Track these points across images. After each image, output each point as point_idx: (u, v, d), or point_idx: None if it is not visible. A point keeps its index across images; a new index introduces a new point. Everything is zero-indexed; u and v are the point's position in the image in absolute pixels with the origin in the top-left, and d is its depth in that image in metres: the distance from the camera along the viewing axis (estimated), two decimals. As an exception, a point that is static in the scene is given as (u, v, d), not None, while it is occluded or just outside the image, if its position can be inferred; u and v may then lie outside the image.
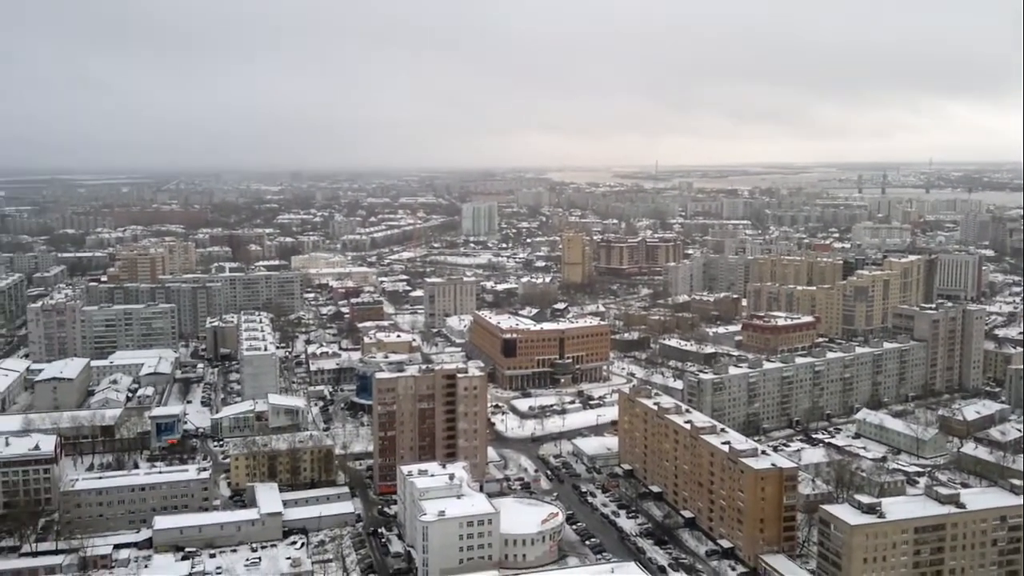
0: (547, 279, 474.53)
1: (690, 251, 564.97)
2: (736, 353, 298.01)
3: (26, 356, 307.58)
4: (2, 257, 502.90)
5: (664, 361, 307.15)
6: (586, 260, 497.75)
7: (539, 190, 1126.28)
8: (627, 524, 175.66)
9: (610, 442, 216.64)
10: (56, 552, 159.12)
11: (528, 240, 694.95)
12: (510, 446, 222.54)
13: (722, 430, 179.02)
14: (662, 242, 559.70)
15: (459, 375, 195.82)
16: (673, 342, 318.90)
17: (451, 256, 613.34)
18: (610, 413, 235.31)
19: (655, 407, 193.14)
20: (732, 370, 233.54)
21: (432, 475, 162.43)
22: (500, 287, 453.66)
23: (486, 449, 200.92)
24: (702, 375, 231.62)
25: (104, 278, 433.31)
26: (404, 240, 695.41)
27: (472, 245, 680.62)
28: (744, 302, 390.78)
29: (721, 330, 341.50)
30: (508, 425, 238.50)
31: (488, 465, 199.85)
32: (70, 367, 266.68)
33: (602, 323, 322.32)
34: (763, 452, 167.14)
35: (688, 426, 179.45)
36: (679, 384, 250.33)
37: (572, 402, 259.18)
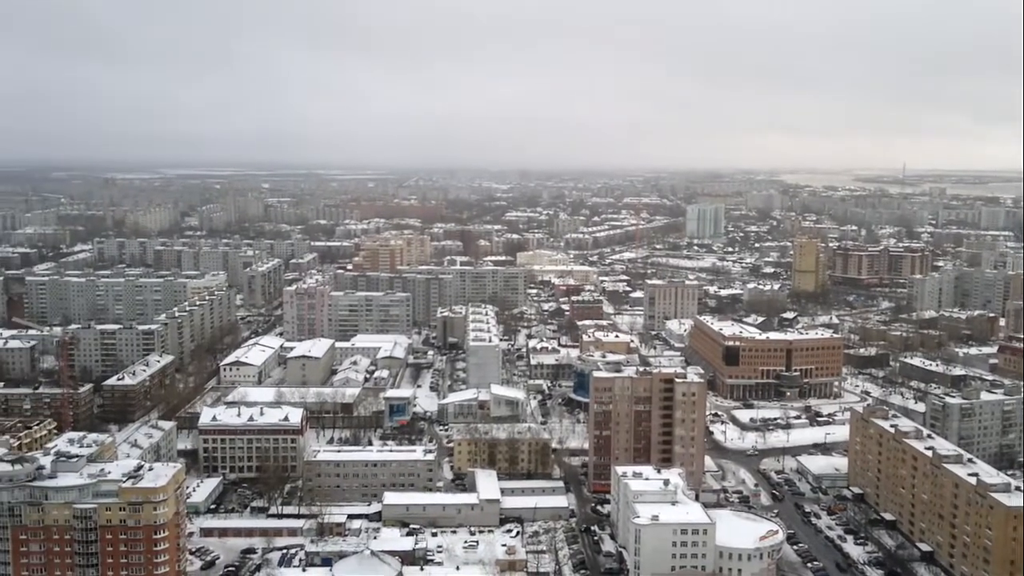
0: (776, 286, 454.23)
1: (939, 263, 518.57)
2: (990, 377, 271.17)
3: (280, 334, 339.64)
4: (265, 243, 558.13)
5: (904, 381, 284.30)
6: (820, 268, 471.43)
7: (770, 192, 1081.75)
8: (854, 551, 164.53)
9: (839, 462, 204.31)
10: (298, 516, 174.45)
11: (756, 245, 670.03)
12: (729, 457, 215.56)
13: (969, 460, 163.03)
14: (908, 252, 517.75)
15: (677, 380, 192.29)
16: (916, 361, 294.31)
17: (674, 258, 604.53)
18: (840, 432, 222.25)
19: (892, 429, 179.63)
20: (985, 395, 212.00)
21: (647, 478, 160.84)
22: (724, 292, 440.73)
23: (703, 458, 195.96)
24: (948, 399, 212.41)
25: (350, 266, 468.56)
26: (626, 240, 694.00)
27: (696, 248, 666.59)
28: (1002, 322, 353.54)
29: (973, 351, 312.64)
30: (728, 435, 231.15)
31: (705, 474, 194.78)
32: (317, 347, 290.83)
33: (835, 336, 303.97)
34: (1017, 488, 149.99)
35: (930, 453, 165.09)
36: (920, 407, 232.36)
37: (798, 417, 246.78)
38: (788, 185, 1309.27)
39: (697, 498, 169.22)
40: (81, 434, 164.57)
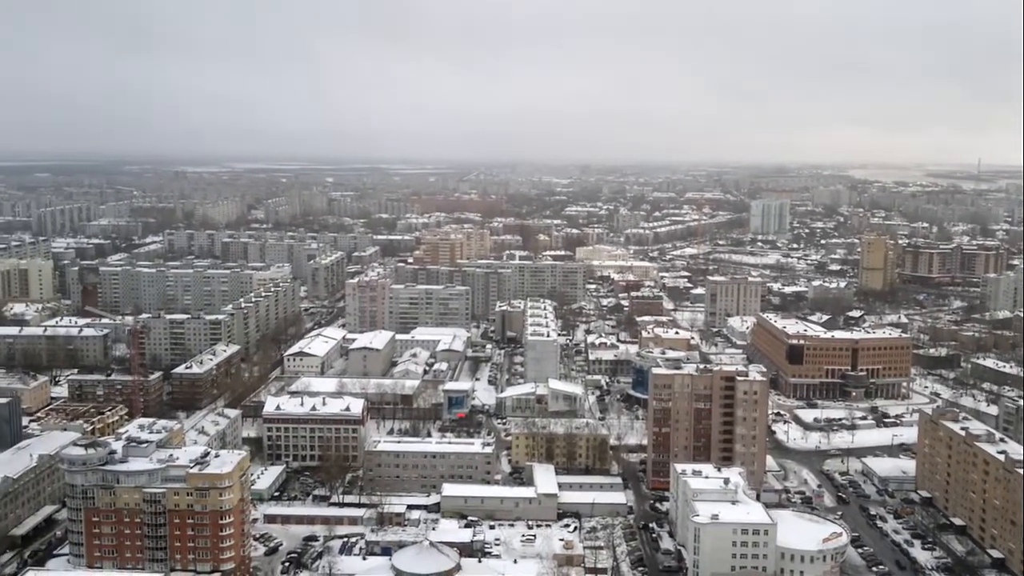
0: (842, 284, 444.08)
1: (1015, 261, 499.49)
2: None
3: (342, 326, 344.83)
4: (328, 236, 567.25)
5: (975, 383, 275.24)
6: (889, 265, 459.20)
7: (837, 188, 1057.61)
8: (922, 556, 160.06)
9: (906, 465, 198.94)
10: (359, 505, 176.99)
11: (822, 241, 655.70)
12: (791, 457, 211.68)
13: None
14: (982, 250, 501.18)
15: (739, 378, 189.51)
16: (988, 362, 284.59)
17: (736, 254, 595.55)
18: (908, 434, 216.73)
19: (963, 432, 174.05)
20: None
21: (706, 477, 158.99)
22: (788, 289, 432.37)
23: (764, 457, 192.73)
24: (1022, 402, 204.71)
25: (410, 260, 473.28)
26: (688, 236, 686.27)
27: (760, 244, 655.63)
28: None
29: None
30: (790, 435, 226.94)
31: (766, 474, 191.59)
32: (378, 339, 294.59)
33: (903, 335, 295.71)
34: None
35: (1002, 457, 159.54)
36: (993, 410, 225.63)
37: (864, 418, 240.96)
38: (856, 180, 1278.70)
39: (758, 498, 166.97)
40: (151, 420, 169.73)
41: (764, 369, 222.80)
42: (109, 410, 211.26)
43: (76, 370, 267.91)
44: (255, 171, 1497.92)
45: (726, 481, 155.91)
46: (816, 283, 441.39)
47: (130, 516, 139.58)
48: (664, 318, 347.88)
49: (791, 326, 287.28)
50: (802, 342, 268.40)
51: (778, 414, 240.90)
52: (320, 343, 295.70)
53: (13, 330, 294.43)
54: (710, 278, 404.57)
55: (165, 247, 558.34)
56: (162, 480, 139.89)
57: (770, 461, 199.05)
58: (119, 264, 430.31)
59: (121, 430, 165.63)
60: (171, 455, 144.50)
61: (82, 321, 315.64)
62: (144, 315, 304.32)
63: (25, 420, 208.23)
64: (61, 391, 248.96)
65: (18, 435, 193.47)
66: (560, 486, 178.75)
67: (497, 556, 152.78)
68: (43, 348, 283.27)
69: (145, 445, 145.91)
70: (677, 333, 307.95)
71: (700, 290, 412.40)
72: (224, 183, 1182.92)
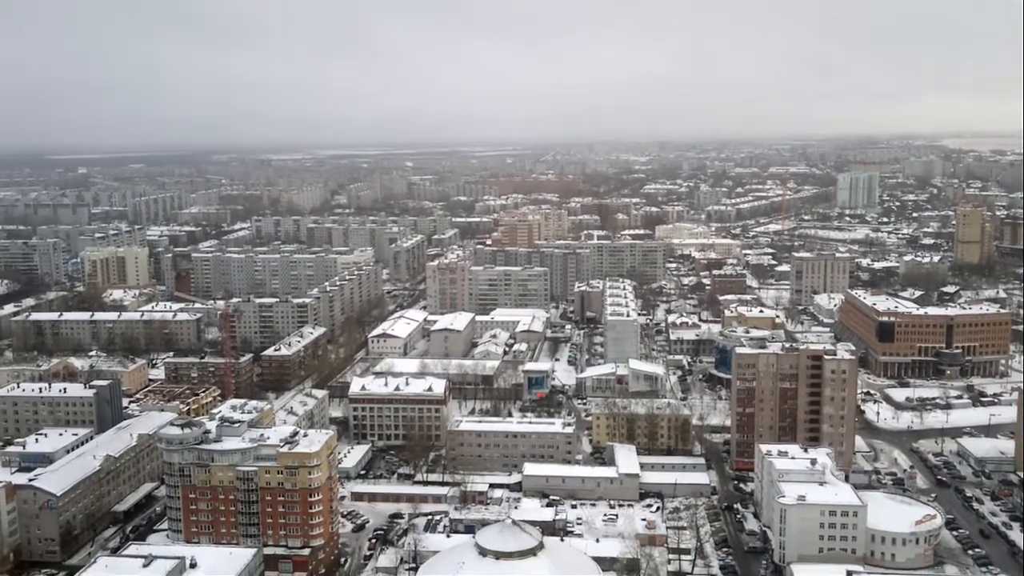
0: (935, 258, 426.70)
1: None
2: None
3: (424, 308, 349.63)
4: (408, 220, 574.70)
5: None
6: (986, 238, 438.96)
7: (930, 159, 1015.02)
8: (1021, 538, 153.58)
9: (1004, 445, 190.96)
10: (442, 484, 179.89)
11: (914, 214, 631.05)
12: (881, 437, 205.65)
13: None
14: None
15: (826, 357, 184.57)
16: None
17: (823, 230, 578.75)
18: (1006, 413, 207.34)
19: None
20: None
21: (793, 457, 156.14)
22: (878, 265, 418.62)
23: (853, 438, 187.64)
24: None
25: (489, 242, 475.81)
26: (772, 212, 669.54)
27: (847, 218, 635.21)
28: None
29: None
30: (881, 415, 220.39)
31: (855, 455, 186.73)
32: (459, 320, 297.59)
33: (1002, 311, 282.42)
34: None
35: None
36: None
37: (959, 397, 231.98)
38: (950, 150, 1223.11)
39: (847, 479, 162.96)
40: (242, 401, 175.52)
41: (853, 347, 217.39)
42: (203, 391, 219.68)
43: (171, 353, 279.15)
44: (337, 157, 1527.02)
45: (813, 462, 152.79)
46: (908, 258, 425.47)
47: (224, 493, 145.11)
48: (748, 296, 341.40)
49: (881, 303, 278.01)
50: (893, 319, 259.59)
51: (868, 393, 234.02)
52: (402, 325, 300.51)
53: (112, 315, 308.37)
54: (795, 255, 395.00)
55: (253, 233, 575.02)
56: (254, 459, 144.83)
57: (859, 442, 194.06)
58: (210, 251, 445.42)
59: (214, 410, 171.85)
60: (262, 435, 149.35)
61: (176, 306, 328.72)
62: (234, 299, 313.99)
63: (125, 401, 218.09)
64: (158, 373, 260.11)
65: (119, 415, 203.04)
66: (642, 466, 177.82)
67: (579, 535, 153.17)
68: (140, 332, 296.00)
69: (237, 425, 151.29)
70: (761, 311, 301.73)
71: (785, 267, 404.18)
72: (308, 170, 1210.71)
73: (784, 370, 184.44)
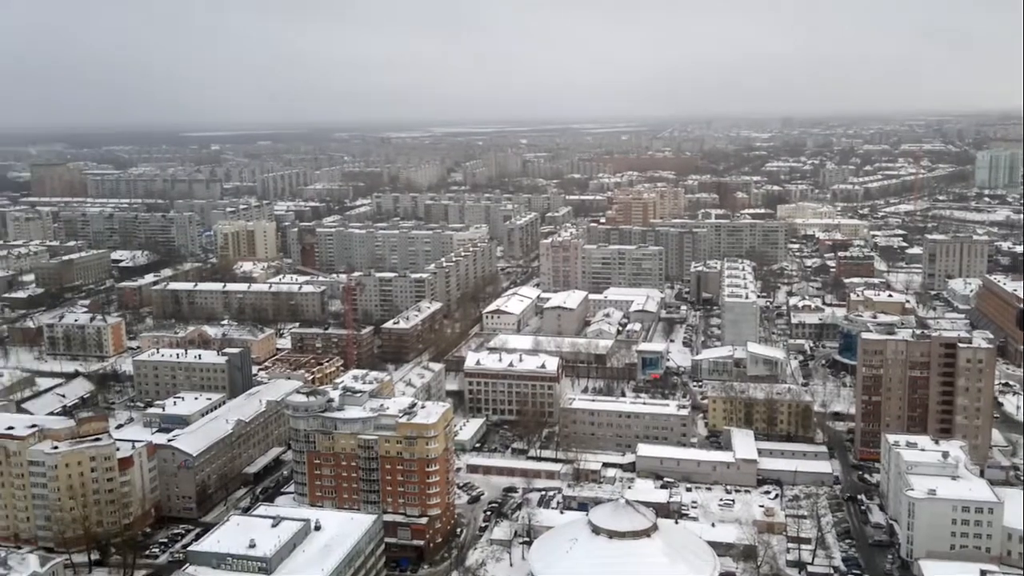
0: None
1: None
2: None
3: (537, 285, 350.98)
4: (523, 197, 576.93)
5: None
6: None
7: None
8: None
9: None
10: (555, 460, 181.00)
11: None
12: (1021, 431, 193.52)
13: None
14: None
15: (961, 345, 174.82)
16: None
17: (959, 211, 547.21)
18: None
19: None
20: None
21: (922, 449, 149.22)
22: (1019, 249, 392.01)
23: (990, 431, 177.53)
24: None
25: (603, 220, 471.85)
26: (903, 191, 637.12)
27: (986, 199, 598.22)
28: None
29: None
30: (1021, 408, 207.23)
31: (992, 449, 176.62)
32: (571, 298, 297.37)
33: None
34: None
35: None
36: None
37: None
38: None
39: (982, 474, 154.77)
40: (363, 372, 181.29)
41: (991, 336, 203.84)
42: (327, 361, 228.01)
43: (297, 323, 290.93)
44: (453, 135, 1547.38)
45: (945, 455, 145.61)
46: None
47: (346, 460, 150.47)
48: (875, 280, 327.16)
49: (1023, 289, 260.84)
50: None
51: (1007, 384, 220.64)
52: (516, 302, 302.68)
53: (243, 286, 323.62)
54: (928, 236, 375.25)
55: (373, 209, 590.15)
56: (374, 428, 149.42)
57: (996, 435, 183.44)
58: (333, 226, 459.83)
59: (337, 380, 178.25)
60: (382, 404, 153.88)
61: (301, 279, 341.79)
62: (356, 273, 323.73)
63: (254, 368, 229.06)
64: (284, 343, 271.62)
65: (249, 382, 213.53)
66: (760, 452, 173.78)
67: (694, 519, 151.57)
68: (268, 303, 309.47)
69: (359, 395, 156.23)
70: (890, 296, 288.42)
71: (917, 250, 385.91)
72: (425, 147, 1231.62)
73: (914, 358, 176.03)
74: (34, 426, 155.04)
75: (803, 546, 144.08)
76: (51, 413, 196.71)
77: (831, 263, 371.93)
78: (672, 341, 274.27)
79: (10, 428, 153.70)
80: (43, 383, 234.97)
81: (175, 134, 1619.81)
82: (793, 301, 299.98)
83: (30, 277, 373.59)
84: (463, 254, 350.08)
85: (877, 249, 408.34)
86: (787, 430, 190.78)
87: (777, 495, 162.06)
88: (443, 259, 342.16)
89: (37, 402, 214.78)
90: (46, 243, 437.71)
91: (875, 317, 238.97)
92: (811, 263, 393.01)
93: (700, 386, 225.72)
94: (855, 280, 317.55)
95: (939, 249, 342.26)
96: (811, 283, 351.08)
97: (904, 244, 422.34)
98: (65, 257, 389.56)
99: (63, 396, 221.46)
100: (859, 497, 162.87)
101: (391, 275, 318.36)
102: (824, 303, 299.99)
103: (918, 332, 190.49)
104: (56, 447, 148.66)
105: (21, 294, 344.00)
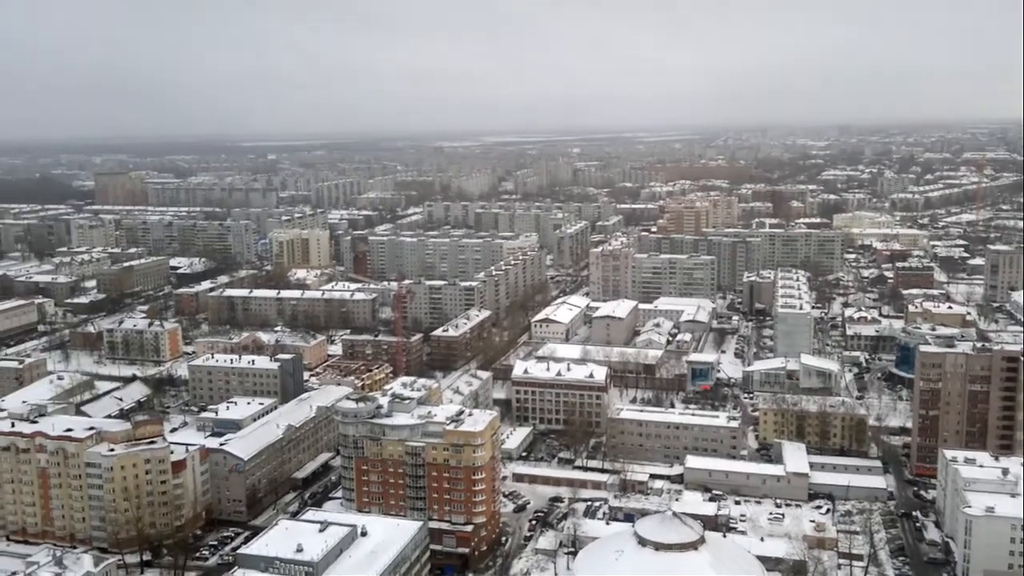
0: None
1: None
2: None
3: (586, 294, 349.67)
4: (573, 206, 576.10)
5: None
6: None
7: None
8: None
9: None
10: (602, 471, 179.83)
11: None
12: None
13: None
14: None
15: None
16: None
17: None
18: None
19: None
20: None
21: (981, 466, 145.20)
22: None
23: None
24: None
25: (654, 229, 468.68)
26: (965, 200, 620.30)
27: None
28: None
29: None
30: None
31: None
32: (621, 307, 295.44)
33: None
34: None
35: None
36: None
37: None
38: None
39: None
40: (412, 379, 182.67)
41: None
42: (376, 367, 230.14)
43: (348, 330, 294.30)
44: (504, 144, 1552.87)
45: (1004, 471, 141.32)
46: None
47: (394, 466, 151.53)
48: (935, 291, 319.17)
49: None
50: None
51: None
52: (565, 310, 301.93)
53: (296, 293, 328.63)
54: (991, 247, 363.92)
55: (425, 218, 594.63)
56: (422, 435, 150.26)
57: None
58: (385, 234, 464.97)
59: (386, 387, 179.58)
60: (430, 412, 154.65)
61: (353, 286, 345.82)
62: (407, 281, 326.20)
63: (305, 374, 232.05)
64: (336, 349, 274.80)
65: (300, 387, 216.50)
66: (811, 466, 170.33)
67: (743, 532, 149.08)
68: (321, 310, 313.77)
69: (407, 402, 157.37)
70: (950, 308, 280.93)
71: (979, 261, 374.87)
72: (476, 156, 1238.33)
73: (975, 371, 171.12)
74: (92, 428, 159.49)
75: (855, 563, 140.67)
76: (109, 416, 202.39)
77: (889, 274, 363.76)
78: (723, 352, 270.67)
79: (69, 430, 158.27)
80: (102, 386, 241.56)
81: (233, 144, 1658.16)
82: (849, 312, 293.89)
83: (92, 283, 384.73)
84: (512, 262, 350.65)
85: (937, 260, 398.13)
86: (840, 444, 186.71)
87: (829, 510, 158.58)
88: (492, 267, 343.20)
89: (96, 405, 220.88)
90: (108, 250, 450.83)
91: (934, 329, 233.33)
92: (868, 274, 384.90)
93: (751, 398, 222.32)
94: (913, 291, 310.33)
95: (1002, 260, 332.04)
96: (868, 294, 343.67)
97: (965, 255, 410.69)
98: (126, 264, 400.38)
99: (120, 399, 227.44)
100: (914, 513, 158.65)
101: (441, 283, 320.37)
102: (881, 315, 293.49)
103: (979, 345, 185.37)
104: (112, 449, 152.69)
105: (83, 299, 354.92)
